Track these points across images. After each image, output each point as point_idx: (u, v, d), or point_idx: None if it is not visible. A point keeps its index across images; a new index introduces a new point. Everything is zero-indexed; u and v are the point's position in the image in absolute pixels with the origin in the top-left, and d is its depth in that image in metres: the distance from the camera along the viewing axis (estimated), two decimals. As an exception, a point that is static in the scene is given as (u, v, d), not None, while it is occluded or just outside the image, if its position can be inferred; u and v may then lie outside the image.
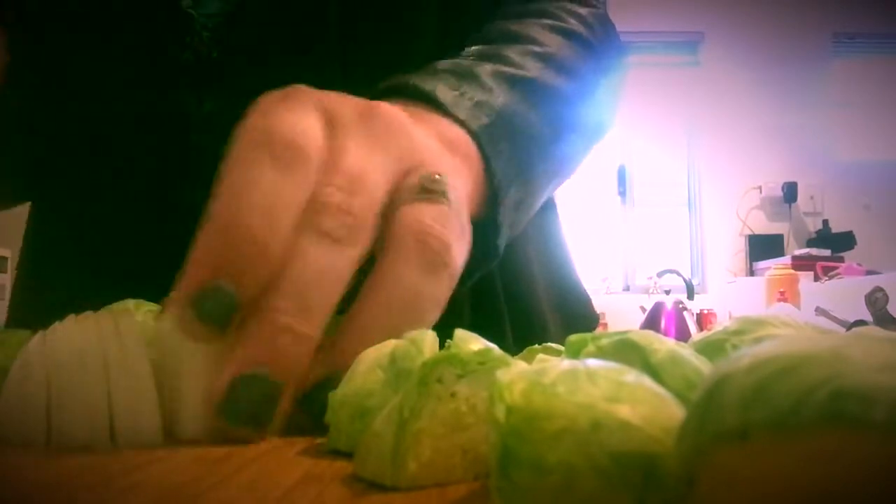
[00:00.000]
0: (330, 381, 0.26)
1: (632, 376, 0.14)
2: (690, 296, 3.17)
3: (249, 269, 0.26)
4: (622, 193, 3.75)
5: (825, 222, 3.58)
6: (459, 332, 0.21)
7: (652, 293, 3.24)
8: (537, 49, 0.49)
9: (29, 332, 0.41)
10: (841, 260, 3.20)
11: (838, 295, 2.63)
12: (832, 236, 3.50)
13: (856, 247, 3.41)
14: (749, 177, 3.65)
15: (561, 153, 0.50)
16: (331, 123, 0.32)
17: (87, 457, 0.23)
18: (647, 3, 3.43)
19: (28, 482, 0.20)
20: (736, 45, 3.66)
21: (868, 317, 2.35)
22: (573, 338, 0.20)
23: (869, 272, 2.86)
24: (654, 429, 0.13)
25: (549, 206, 0.66)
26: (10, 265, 2.08)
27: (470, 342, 0.20)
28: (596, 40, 0.55)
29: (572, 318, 0.67)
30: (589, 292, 0.70)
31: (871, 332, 0.25)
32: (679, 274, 3.26)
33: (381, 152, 0.32)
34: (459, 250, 0.33)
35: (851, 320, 2.38)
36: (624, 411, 0.13)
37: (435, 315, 0.31)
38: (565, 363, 0.14)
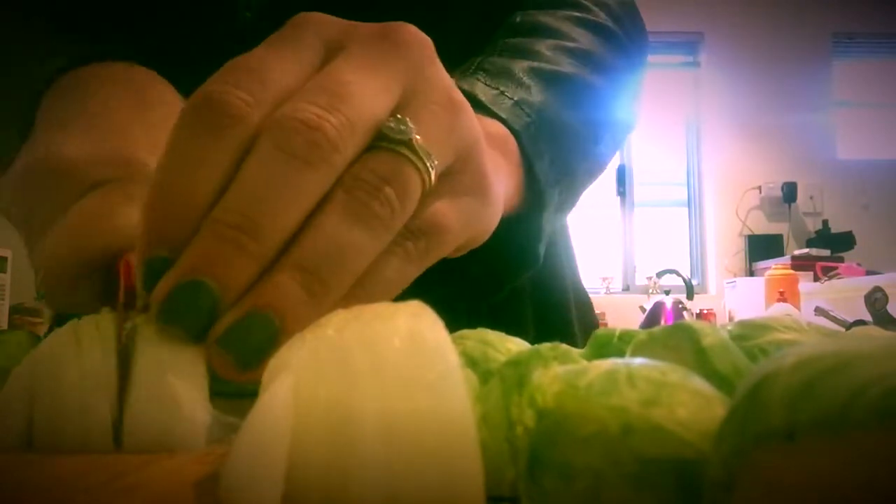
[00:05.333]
0: (250, 319, 0.23)
1: (676, 376, 0.13)
2: (690, 296, 3.17)
3: (170, 230, 0.24)
4: (622, 193, 3.75)
5: (825, 222, 3.58)
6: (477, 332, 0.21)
7: (652, 293, 3.24)
8: (568, 44, 0.48)
9: (27, 333, 0.40)
10: (841, 260, 3.20)
11: (838, 295, 2.62)
12: (832, 236, 3.50)
13: (855, 247, 3.41)
14: (748, 177, 3.64)
15: (597, 153, 0.49)
16: (335, 52, 0.29)
17: (87, 457, 0.22)
18: (647, 3, 3.42)
19: (27, 483, 0.20)
20: (736, 45, 3.65)
21: (868, 317, 2.34)
22: (600, 332, 0.20)
23: (869, 272, 2.86)
24: (690, 433, 0.13)
25: None
26: (10, 265, 2.08)
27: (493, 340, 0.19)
28: (624, 34, 0.54)
29: (586, 317, 0.67)
30: (589, 292, 0.70)
31: (871, 332, 0.25)
32: (679, 274, 3.26)
33: (384, 73, 0.28)
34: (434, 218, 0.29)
35: (851, 320, 2.37)
36: (659, 415, 0.13)
37: (382, 287, 0.27)
38: (607, 364, 0.13)
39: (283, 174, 0.24)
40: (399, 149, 0.27)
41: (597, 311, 0.73)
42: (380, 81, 0.28)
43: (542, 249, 0.40)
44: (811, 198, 3.63)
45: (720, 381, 0.15)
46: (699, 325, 0.16)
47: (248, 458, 0.14)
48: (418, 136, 0.27)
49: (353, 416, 0.12)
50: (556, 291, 0.61)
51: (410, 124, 0.28)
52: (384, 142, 0.27)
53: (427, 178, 0.28)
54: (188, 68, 0.33)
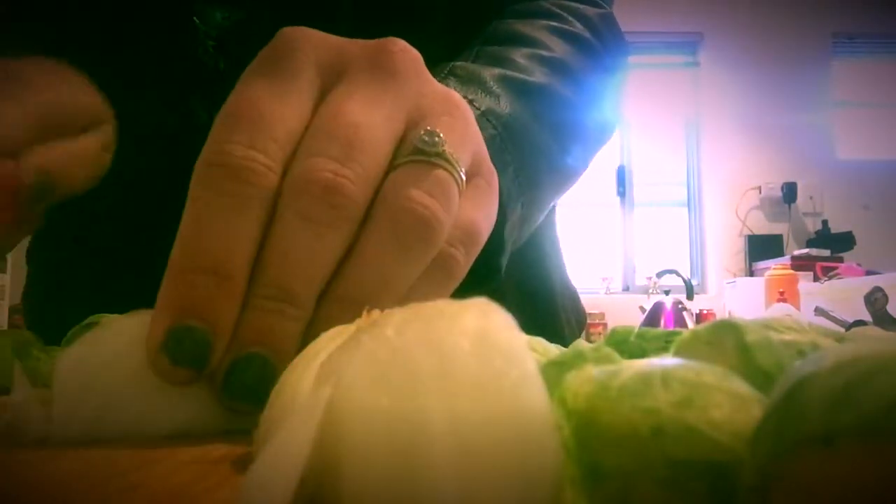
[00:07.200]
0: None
1: (713, 377, 0.13)
2: (690, 296, 3.17)
3: (215, 304, 0.25)
4: (622, 193, 3.75)
5: (824, 222, 3.58)
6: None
7: (652, 293, 3.24)
8: (543, 53, 0.48)
9: (28, 332, 0.40)
10: (840, 260, 3.20)
11: (838, 295, 2.62)
12: (831, 236, 3.50)
13: (855, 247, 3.41)
14: (748, 177, 3.65)
15: (566, 165, 0.49)
16: (332, 78, 0.29)
17: (87, 457, 0.22)
18: (647, 4, 3.43)
19: (28, 482, 0.20)
20: (736, 45, 3.66)
21: (867, 317, 2.35)
22: (618, 328, 0.20)
23: (868, 272, 2.86)
24: (724, 435, 0.12)
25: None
26: (10, 265, 2.07)
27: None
28: (601, 45, 0.54)
29: (575, 313, 0.67)
30: (589, 292, 0.70)
31: (870, 332, 0.25)
32: (679, 274, 3.26)
33: (387, 102, 0.29)
34: (468, 221, 0.30)
35: (851, 320, 2.37)
36: (692, 417, 0.12)
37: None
38: (642, 365, 0.13)
39: (309, 241, 0.26)
40: (436, 160, 0.28)
41: (596, 311, 0.73)
42: (385, 111, 0.28)
43: (503, 262, 0.39)
44: (811, 198, 3.63)
45: (764, 377, 0.14)
46: (743, 321, 0.16)
47: (260, 480, 0.13)
48: (446, 147, 0.28)
49: (421, 424, 0.12)
50: (540, 283, 0.61)
51: (441, 135, 0.28)
52: (421, 155, 0.28)
53: (461, 186, 0.29)
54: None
